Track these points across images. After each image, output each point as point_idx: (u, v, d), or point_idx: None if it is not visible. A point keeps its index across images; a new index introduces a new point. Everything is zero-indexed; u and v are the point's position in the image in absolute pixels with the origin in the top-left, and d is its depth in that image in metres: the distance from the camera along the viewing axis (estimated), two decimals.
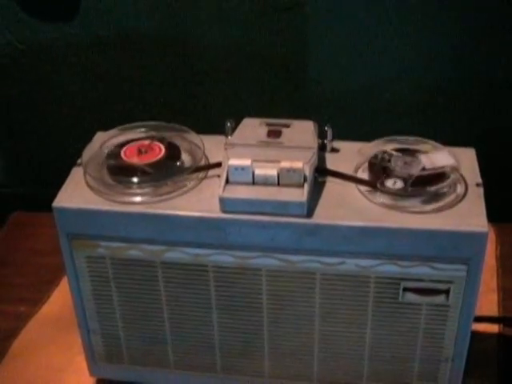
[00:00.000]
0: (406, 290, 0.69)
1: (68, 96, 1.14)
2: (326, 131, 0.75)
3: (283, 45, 1.07)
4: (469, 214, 0.67)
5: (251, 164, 0.68)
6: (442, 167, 0.69)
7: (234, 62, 1.09)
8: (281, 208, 0.67)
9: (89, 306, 0.77)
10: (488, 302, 0.95)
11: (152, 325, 0.77)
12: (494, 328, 0.91)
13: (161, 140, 0.76)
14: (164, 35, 1.08)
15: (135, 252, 0.72)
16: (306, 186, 0.67)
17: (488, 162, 1.10)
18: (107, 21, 1.08)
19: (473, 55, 1.06)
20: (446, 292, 0.69)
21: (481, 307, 0.93)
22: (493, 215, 1.07)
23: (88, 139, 0.80)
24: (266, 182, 0.68)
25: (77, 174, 0.75)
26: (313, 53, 1.08)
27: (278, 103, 1.11)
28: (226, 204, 0.68)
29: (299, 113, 1.12)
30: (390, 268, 0.68)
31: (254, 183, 0.68)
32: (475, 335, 0.85)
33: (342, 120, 1.12)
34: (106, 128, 0.81)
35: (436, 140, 1.13)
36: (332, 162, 0.74)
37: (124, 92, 1.13)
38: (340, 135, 1.13)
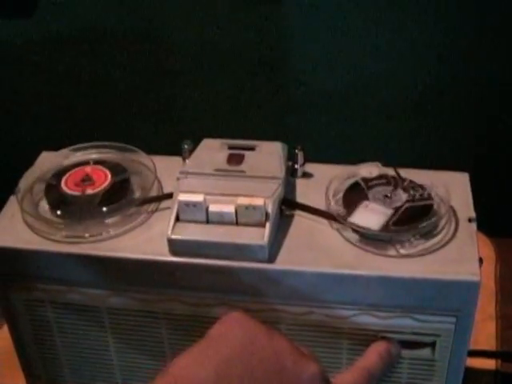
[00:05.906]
0: None
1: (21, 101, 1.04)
2: (297, 154, 0.66)
3: (262, 42, 0.97)
4: (458, 259, 0.57)
5: (204, 200, 0.58)
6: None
7: (208, 61, 0.98)
8: (238, 251, 0.58)
9: (31, 351, 0.68)
10: (485, 331, 0.85)
11: (102, 372, 0.68)
12: (491, 364, 0.82)
13: (107, 165, 0.67)
14: (131, 32, 0.98)
15: (77, 296, 0.63)
16: (268, 225, 0.58)
17: (489, 171, 1.01)
18: (69, 16, 0.98)
19: (472, 56, 0.95)
20: (432, 345, 0.60)
21: (477, 338, 0.84)
22: (493, 229, 0.98)
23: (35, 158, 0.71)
24: (221, 221, 0.59)
25: (13, 204, 0.65)
26: (295, 50, 0.97)
27: (258, 106, 1.01)
28: (175, 246, 0.59)
29: (280, 117, 1.02)
30: (366, 319, 0.59)
31: (208, 222, 0.59)
32: (468, 373, 0.76)
33: (327, 123, 1.02)
34: (58, 142, 0.72)
35: (427, 150, 1.04)
36: (303, 190, 0.65)
37: (85, 98, 1.03)
38: (326, 139, 1.04)
